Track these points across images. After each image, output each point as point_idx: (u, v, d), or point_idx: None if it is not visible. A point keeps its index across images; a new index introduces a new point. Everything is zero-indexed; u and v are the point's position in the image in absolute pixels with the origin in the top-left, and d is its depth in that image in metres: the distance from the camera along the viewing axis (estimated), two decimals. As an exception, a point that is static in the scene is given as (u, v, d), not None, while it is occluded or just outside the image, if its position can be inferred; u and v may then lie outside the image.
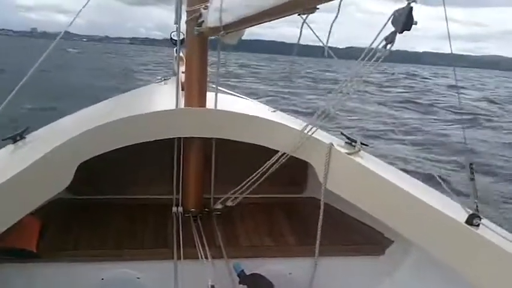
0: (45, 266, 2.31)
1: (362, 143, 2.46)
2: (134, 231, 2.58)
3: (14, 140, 2.64)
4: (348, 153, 2.35)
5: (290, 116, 3.31)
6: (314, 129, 2.39)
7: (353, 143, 2.47)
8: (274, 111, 2.82)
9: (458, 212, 1.85)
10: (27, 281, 2.29)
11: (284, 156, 2.43)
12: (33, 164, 2.09)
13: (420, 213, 1.96)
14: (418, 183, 2.32)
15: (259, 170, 2.48)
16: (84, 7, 2.68)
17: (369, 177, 2.20)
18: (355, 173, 2.28)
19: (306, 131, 2.41)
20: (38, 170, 2.11)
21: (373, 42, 1.63)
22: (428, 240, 1.95)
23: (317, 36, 1.97)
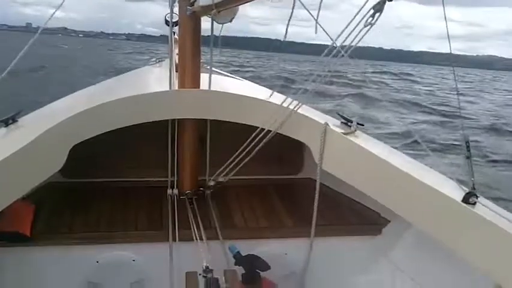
0: (39, 249, 2.30)
1: (358, 123, 2.44)
2: (129, 213, 2.57)
3: (6, 123, 2.61)
4: (344, 133, 2.33)
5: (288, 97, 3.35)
6: (299, 104, 2.36)
7: (349, 123, 2.45)
8: (268, 93, 2.80)
9: (455, 191, 1.84)
10: (21, 265, 2.28)
11: (271, 133, 2.39)
12: (25, 147, 2.07)
13: (417, 192, 1.95)
14: (415, 163, 2.30)
15: (245, 145, 2.45)
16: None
17: (365, 157, 2.19)
18: (351, 153, 2.26)
19: (291, 107, 2.38)
20: (30, 152, 2.09)
21: (360, 10, 1.64)
22: (425, 219, 1.94)
23: (307, 10, 2.01)
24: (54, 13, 2.67)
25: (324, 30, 2.06)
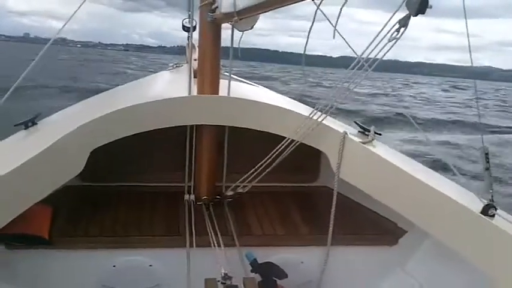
0: (56, 252, 2.31)
1: (376, 132, 2.44)
2: (146, 218, 2.57)
3: (26, 126, 2.63)
4: (362, 142, 2.32)
5: (306, 105, 3.29)
6: (323, 116, 2.36)
7: (366, 132, 2.45)
8: (285, 101, 2.83)
9: (473, 202, 1.82)
10: (39, 268, 2.29)
11: (294, 143, 2.41)
12: (45, 151, 2.08)
13: (435, 203, 1.94)
14: (433, 173, 2.30)
15: (269, 156, 2.46)
16: (75, 12, 2.58)
17: (383, 166, 2.18)
18: (369, 162, 2.25)
19: (315, 118, 2.39)
20: (50, 156, 2.10)
21: (382, 30, 1.65)
22: (443, 230, 1.93)
23: (327, 19, 1.99)
24: (65, 24, 2.61)
25: (348, 44, 2.07)
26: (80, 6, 2.59)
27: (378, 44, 1.74)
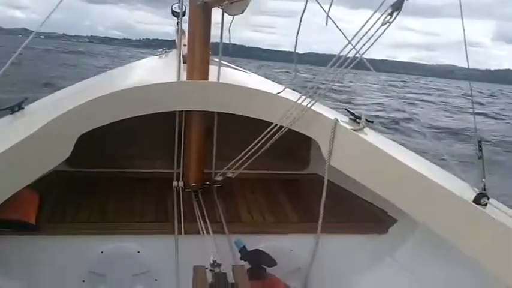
0: (43, 238, 2.28)
1: (367, 120, 2.42)
2: (134, 205, 2.55)
3: (12, 110, 2.59)
4: (353, 130, 2.30)
5: (297, 93, 3.36)
6: (310, 101, 2.34)
7: (357, 120, 2.42)
8: (283, 90, 2.76)
9: (465, 191, 1.82)
10: (26, 254, 2.27)
11: (282, 129, 2.38)
12: (32, 135, 2.05)
13: (426, 191, 1.92)
14: (425, 162, 2.29)
15: (258, 141, 2.43)
16: (57, 6, 2.51)
17: (374, 154, 2.16)
18: (360, 150, 2.23)
19: (304, 103, 2.36)
20: (37, 141, 2.07)
21: (379, 7, 1.63)
22: (434, 218, 1.92)
23: (320, 5, 2.00)
24: (49, 15, 2.52)
25: (339, 29, 2.03)
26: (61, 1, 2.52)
27: (370, 28, 1.73)
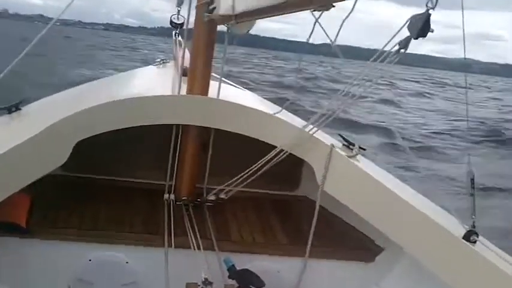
0: (33, 242, 2.28)
1: (360, 147, 2.43)
2: (125, 214, 2.55)
3: (9, 111, 2.57)
4: (348, 156, 2.33)
5: (295, 115, 3.28)
6: (315, 129, 2.36)
7: (351, 146, 2.44)
8: (279, 111, 2.76)
9: (455, 227, 1.83)
10: (15, 256, 2.26)
11: (282, 153, 2.40)
12: (30, 139, 2.04)
13: (417, 222, 1.95)
14: (417, 194, 2.31)
15: (256, 164, 2.45)
16: None
17: (367, 182, 2.19)
18: (354, 177, 2.26)
19: (307, 130, 2.38)
20: (35, 145, 2.07)
21: (386, 45, 1.63)
22: (422, 250, 1.94)
23: (327, 35, 1.96)
24: (71, 3, 2.60)
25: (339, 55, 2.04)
26: None
27: (378, 61, 1.70)
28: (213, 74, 2.81)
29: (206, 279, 1.83)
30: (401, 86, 32.88)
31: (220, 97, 2.68)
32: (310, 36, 2.06)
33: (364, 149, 2.46)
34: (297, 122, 2.68)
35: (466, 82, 2.08)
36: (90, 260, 2.34)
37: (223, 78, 2.85)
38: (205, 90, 2.67)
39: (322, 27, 1.95)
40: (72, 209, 2.51)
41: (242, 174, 2.50)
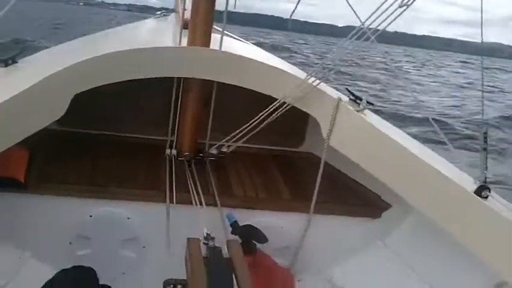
0: (32, 197, 2.24)
1: (368, 102, 2.36)
2: (125, 170, 2.50)
3: (6, 63, 2.47)
4: (355, 111, 2.27)
5: (298, 68, 3.18)
6: (318, 80, 2.30)
7: (358, 101, 2.37)
8: (277, 61, 2.73)
9: (466, 182, 1.80)
10: (14, 212, 2.23)
11: (285, 105, 2.34)
12: (26, 91, 1.97)
13: (427, 177, 1.90)
14: (426, 149, 2.26)
15: (258, 116, 2.40)
16: None
17: (375, 136, 2.13)
18: (361, 131, 2.20)
19: (310, 82, 2.31)
20: (30, 98, 1.99)
21: None
22: (432, 206, 1.89)
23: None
24: None
25: (352, 10, 1.99)
26: None
27: (386, 10, 1.67)
28: (215, 26, 2.71)
29: (208, 234, 1.78)
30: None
31: (223, 49, 2.59)
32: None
33: (372, 104, 2.39)
34: (301, 74, 2.58)
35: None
36: (90, 216, 2.31)
37: (225, 31, 2.74)
38: (206, 43, 2.58)
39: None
40: (72, 164, 2.46)
41: (244, 126, 2.45)
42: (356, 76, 20.68)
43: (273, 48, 25.73)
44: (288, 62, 3.36)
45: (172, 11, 5.37)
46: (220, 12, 2.63)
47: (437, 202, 1.86)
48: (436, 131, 2.28)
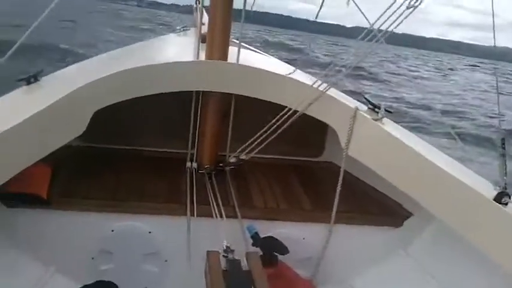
0: (54, 213, 2.27)
1: (386, 110, 2.36)
2: (146, 184, 2.53)
3: (28, 81, 2.54)
4: (373, 119, 2.27)
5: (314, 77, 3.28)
6: (334, 90, 2.31)
7: (376, 109, 2.37)
8: (293, 71, 2.72)
9: (486, 189, 1.79)
10: (37, 228, 2.26)
11: (298, 112, 2.37)
12: (48, 108, 2.02)
13: (445, 185, 1.89)
14: (445, 156, 2.25)
15: (273, 122, 2.41)
16: None
17: (394, 145, 2.13)
18: (380, 140, 2.20)
19: (326, 91, 2.32)
20: (53, 114, 2.04)
21: None
22: (452, 214, 1.89)
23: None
24: None
25: (361, 12, 2.01)
26: None
27: (394, 12, 1.69)
28: (232, 39, 2.75)
29: (228, 247, 1.79)
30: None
31: (240, 62, 2.63)
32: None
33: (390, 112, 2.40)
34: (318, 83, 2.60)
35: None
36: (112, 231, 2.33)
37: (242, 43, 2.78)
38: (224, 55, 2.62)
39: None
40: (93, 179, 2.49)
41: (260, 133, 2.47)
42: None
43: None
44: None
45: (191, 26, 5.41)
46: (239, 11, 2.65)
47: (457, 210, 1.86)
48: None
